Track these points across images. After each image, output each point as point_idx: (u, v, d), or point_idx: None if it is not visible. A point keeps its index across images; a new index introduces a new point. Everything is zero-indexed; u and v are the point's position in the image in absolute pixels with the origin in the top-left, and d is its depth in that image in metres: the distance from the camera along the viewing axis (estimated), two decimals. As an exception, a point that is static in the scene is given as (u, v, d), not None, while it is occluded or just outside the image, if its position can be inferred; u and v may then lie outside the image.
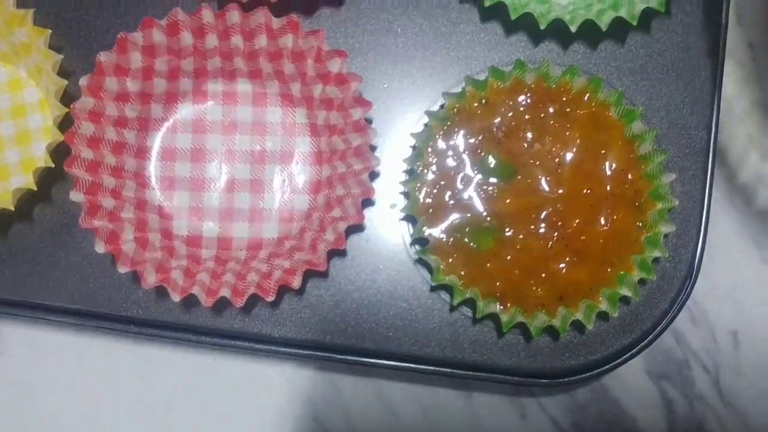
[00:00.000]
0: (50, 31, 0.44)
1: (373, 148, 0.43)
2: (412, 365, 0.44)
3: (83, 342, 0.49)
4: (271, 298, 0.41)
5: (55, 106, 0.43)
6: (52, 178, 0.45)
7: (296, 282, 0.41)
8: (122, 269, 0.40)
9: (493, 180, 0.43)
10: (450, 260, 0.42)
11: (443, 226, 0.43)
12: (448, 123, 0.43)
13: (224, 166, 0.45)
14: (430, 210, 0.43)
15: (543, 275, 0.42)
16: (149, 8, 0.46)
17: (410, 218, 0.44)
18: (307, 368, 0.49)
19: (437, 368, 0.44)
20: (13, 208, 0.43)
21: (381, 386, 0.49)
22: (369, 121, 0.45)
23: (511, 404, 0.48)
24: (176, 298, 0.40)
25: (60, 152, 0.42)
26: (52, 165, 0.42)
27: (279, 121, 0.46)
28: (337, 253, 0.44)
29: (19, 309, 0.46)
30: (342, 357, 0.44)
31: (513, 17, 0.43)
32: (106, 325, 0.45)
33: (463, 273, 0.42)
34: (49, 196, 0.46)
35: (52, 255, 0.45)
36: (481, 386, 0.48)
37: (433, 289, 0.44)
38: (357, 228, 0.45)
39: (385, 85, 0.45)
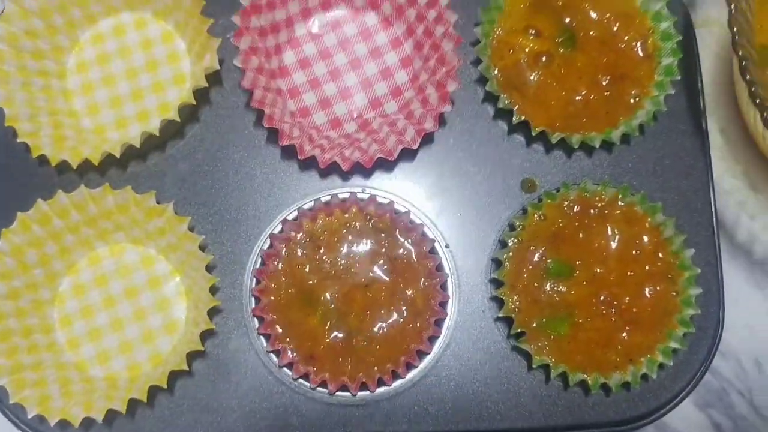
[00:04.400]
0: (191, 217, 0.55)
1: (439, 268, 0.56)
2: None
3: None
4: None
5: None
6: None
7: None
8: None
9: (558, 279, 0.55)
10: (539, 345, 0.54)
11: (530, 322, 0.54)
12: (519, 238, 0.55)
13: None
14: (517, 310, 0.54)
15: (611, 345, 0.54)
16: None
17: (504, 319, 0.55)
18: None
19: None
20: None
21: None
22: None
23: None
24: None
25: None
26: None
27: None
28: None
29: None
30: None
31: (553, 141, 0.56)
32: None
33: (551, 356, 0.54)
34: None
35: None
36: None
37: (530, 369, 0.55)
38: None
39: (459, 214, 0.57)
